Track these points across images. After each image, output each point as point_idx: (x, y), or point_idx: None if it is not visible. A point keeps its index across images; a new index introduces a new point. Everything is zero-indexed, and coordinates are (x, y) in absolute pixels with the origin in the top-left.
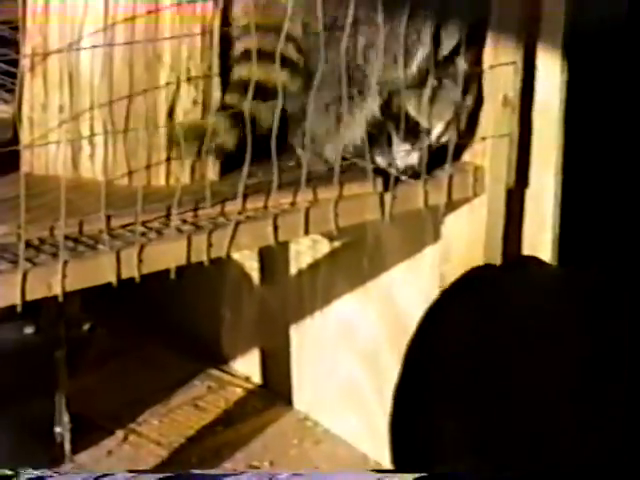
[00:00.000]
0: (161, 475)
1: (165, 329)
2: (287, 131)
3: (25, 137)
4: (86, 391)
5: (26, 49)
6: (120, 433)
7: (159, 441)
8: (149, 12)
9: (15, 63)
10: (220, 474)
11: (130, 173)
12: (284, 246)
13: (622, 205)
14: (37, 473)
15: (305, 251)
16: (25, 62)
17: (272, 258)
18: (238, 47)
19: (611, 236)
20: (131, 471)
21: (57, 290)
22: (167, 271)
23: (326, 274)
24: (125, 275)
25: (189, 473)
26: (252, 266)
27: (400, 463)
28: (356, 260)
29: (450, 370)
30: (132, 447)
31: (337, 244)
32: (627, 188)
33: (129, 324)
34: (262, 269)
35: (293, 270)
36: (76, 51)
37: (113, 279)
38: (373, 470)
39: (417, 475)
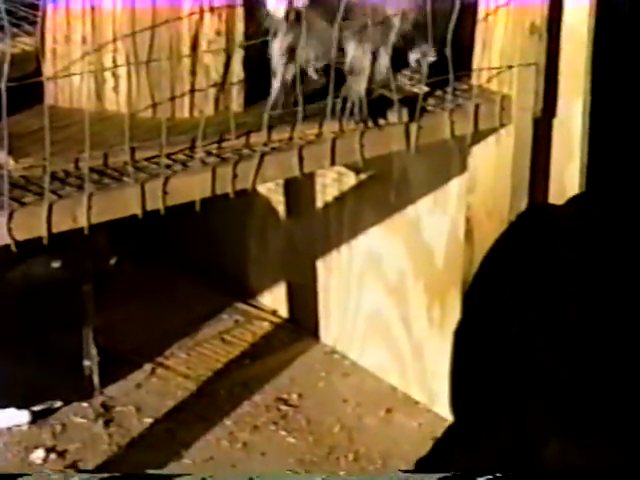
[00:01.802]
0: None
1: (192, 263)
2: None
3: (48, 69)
4: (114, 325)
5: None
6: (148, 366)
7: (187, 374)
8: None
9: None
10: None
11: (154, 105)
12: (310, 179)
13: None
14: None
15: (331, 184)
16: None
17: (298, 191)
18: None
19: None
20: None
21: (83, 222)
22: (193, 204)
23: (352, 207)
24: (150, 207)
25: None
26: (278, 200)
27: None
28: (382, 192)
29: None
30: (160, 380)
31: (363, 176)
32: None
33: (156, 258)
34: (288, 202)
35: (319, 203)
36: None
37: (138, 211)
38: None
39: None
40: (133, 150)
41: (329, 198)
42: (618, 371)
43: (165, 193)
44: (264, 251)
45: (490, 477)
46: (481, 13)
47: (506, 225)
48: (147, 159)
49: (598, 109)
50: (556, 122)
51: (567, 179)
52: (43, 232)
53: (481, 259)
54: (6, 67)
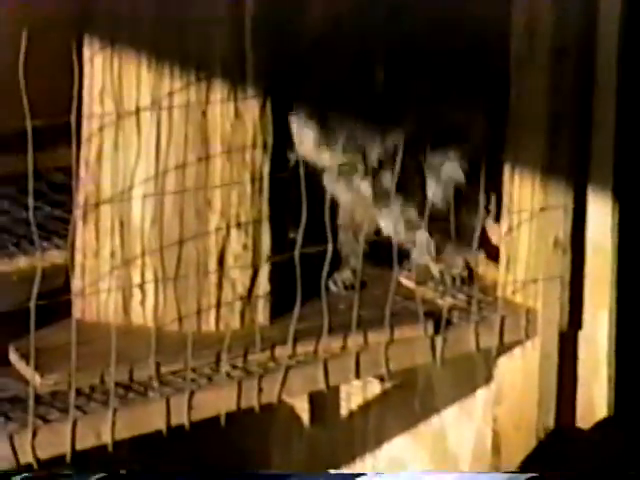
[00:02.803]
0: None
1: (215, 474)
2: None
3: (77, 284)
4: None
5: (79, 198)
6: None
7: None
8: (199, 159)
9: (68, 209)
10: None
11: (180, 319)
12: (335, 387)
13: None
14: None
15: (356, 392)
16: (77, 211)
17: (322, 399)
18: None
19: None
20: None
21: (107, 439)
22: (217, 416)
23: (377, 415)
24: (175, 422)
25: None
26: (302, 407)
27: None
28: (407, 401)
29: None
30: None
31: (388, 385)
32: None
33: (179, 473)
34: (312, 410)
35: (344, 411)
36: (127, 200)
37: (163, 426)
38: None
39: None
40: (158, 364)
41: (353, 406)
42: None
43: (190, 408)
44: (287, 459)
45: None
46: (505, 227)
47: (534, 439)
48: (172, 373)
49: (625, 322)
50: (582, 335)
51: (595, 393)
52: (67, 449)
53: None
54: (36, 282)
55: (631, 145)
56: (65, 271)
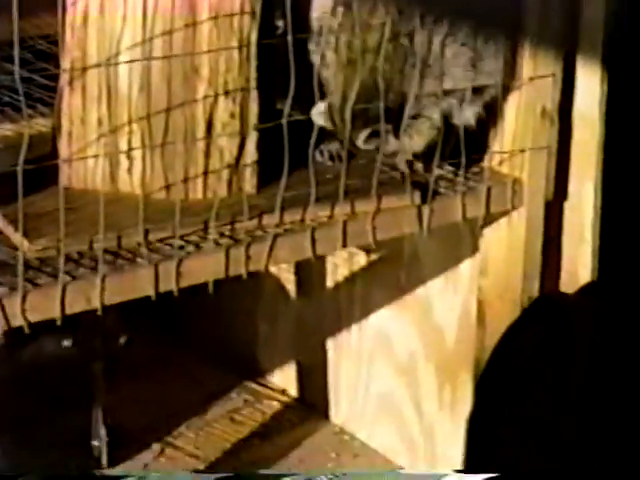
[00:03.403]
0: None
1: (202, 342)
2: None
3: (64, 151)
4: (123, 404)
5: (65, 63)
6: (157, 446)
7: (195, 454)
8: (186, 25)
9: (53, 77)
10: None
11: (168, 186)
12: (321, 259)
13: None
14: None
15: (342, 264)
16: (64, 76)
17: (309, 271)
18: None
19: None
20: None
21: (96, 304)
22: (204, 284)
23: (363, 287)
24: (163, 289)
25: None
26: (288, 279)
27: None
28: (393, 273)
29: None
30: (168, 460)
31: (374, 257)
32: None
33: (165, 337)
34: (298, 282)
35: (330, 283)
36: (114, 65)
37: (152, 292)
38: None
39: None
40: (147, 231)
41: (340, 278)
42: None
43: (178, 274)
44: (274, 330)
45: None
46: (489, 100)
47: (518, 308)
48: (160, 240)
49: (610, 192)
50: (567, 205)
51: (579, 262)
52: (57, 313)
53: (493, 342)
54: (23, 149)
55: (623, 14)
56: (52, 139)
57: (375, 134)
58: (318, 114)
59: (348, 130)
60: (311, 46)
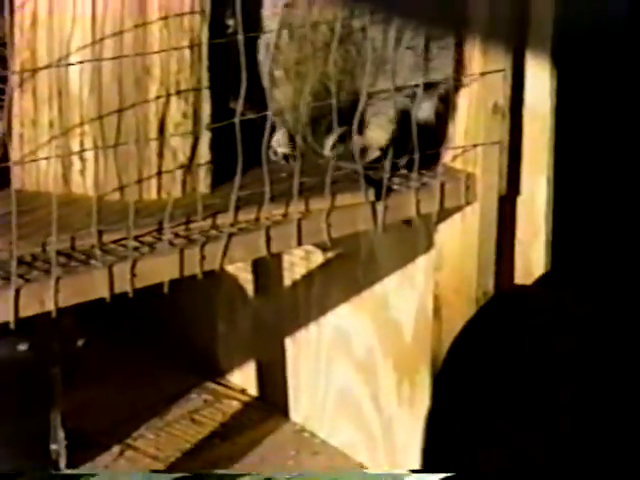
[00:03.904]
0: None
1: (160, 343)
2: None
3: (15, 153)
4: (81, 407)
5: (14, 65)
6: (116, 448)
7: (156, 455)
8: (137, 26)
9: (3, 79)
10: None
11: (121, 188)
12: (278, 257)
13: (615, 209)
14: None
15: (299, 262)
16: (14, 78)
17: (266, 270)
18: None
19: (604, 240)
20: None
21: (50, 306)
22: (161, 285)
23: (320, 284)
24: (118, 290)
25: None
26: (246, 278)
27: None
28: (350, 270)
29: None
30: (128, 462)
31: (331, 254)
32: (619, 191)
33: (124, 338)
34: (256, 281)
35: (287, 281)
36: (65, 66)
37: (106, 294)
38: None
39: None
40: (100, 233)
41: (297, 276)
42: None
43: (133, 276)
44: (232, 330)
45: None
46: (444, 93)
47: (474, 302)
48: (115, 242)
49: (562, 186)
50: (520, 200)
51: (533, 256)
52: (10, 317)
53: (450, 337)
54: None
55: (572, 9)
56: (3, 142)
57: (341, 139)
58: (279, 146)
59: (303, 134)
60: (260, 56)
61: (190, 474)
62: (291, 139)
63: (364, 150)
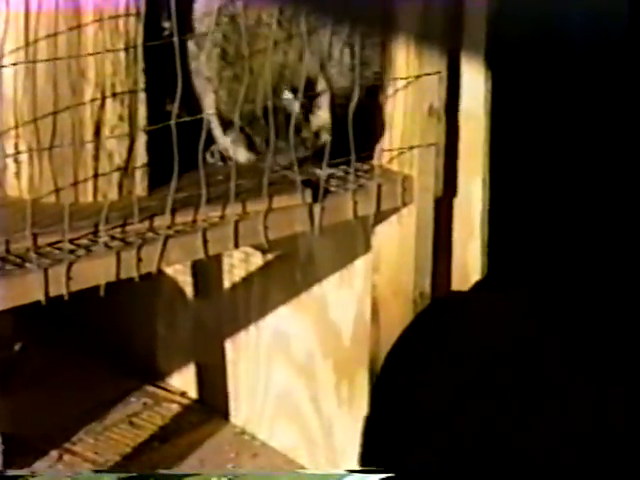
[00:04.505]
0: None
1: (98, 347)
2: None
3: None
4: (18, 411)
5: None
6: (54, 453)
7: (95, 460)
8: (71, 28)
9: None
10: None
11: (57, 190)
12: (217, 260)
13: (550, 210)
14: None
15: (238, 264)
16: None
17: (205, 272)
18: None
19: (540, 241)
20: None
21: None
22: (98, 288)
23: (260, 287)
24: (54, 293)
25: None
26: (186, 280)
27: None
28: (289, 272)
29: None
30: (67, 467)
31: (270, 257)
32: (555, 192)
33: (62, 342)
34: (196, 283)
35: (227, 284)
36: None
37: (41, 297)
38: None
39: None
40: (35, 236)
41: (236, 278)
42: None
43: (69, 278)
44: (172, 332)
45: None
46: (380, 95)
47: (411, 304)
48: (50, 244)
49: (499, 188)
50: (456, 201)
51: (469, 256)
52: None
53: (387, 337)
54: None
55: (505, 14)
56: None
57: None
58: (236, 148)
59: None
60: (192, 62)
61: (135, 474)
62: (248, 139)
63: (317, 135)
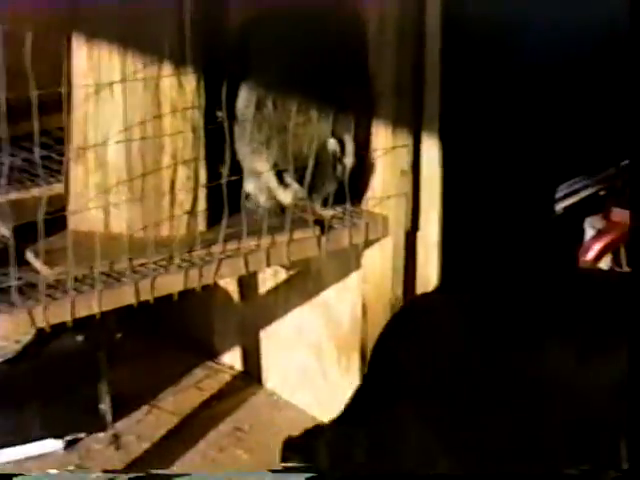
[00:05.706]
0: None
1: (174, 335)
2: None
3: (71, 206)
4: (120, 380)
5: (72, 146)
6: (145, 408)
7: (173, 412)
8: (155, 117)
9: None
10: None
11: (144, 228)
12: (254, 275)
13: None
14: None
15: (269, 278)
16: (71, 155)
17: (247, 283)
18: None
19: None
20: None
21: (95, 310)
22: (172, 295)
23: (284, 293)
24: (142, 298)
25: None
26: (233, 289)
27: None
28: (304, 283)
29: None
30: (154, 417)
31: (291, 273)
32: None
33: (149, 332)
34: (240, 291)
35: (261, 291)
36: (105, 146)
37: (134, 301)
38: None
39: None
40: (130, 259)
41: (268, 287)
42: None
43: (153, 288)
44: (224, 325)
45: None
46: (367, 160)
47: (389, 304)
48: (140, 265)
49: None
50: (420, 234)
51: (428, 272)
52: (68, 317)
53: (373, 328)
54: (43, 204)
55: (452, 102)
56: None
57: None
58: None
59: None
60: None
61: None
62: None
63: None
